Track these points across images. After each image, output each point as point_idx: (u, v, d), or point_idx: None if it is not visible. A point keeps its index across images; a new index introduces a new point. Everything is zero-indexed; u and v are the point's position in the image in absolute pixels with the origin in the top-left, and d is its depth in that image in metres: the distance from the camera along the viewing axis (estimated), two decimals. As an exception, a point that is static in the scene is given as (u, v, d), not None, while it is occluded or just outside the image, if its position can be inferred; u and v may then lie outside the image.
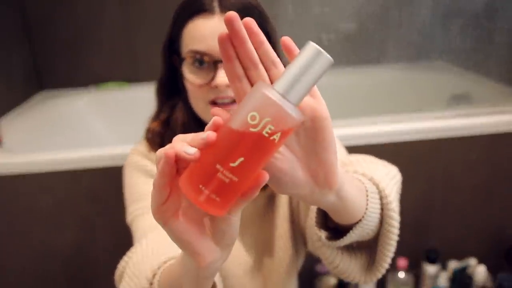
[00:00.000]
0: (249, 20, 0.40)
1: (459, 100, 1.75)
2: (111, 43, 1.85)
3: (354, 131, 1.31)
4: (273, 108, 0.35)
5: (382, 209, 0.56)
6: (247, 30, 0.40)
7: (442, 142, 1.34)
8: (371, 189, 0.55)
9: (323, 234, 0.57)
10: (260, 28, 0.69)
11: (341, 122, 1.35)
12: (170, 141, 0.41)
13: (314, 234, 0.59)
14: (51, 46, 1.83)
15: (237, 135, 0.36)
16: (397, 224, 0.57)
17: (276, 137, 0.36)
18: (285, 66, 0.41)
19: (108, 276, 1.41)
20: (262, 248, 0.85)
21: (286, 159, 0.42)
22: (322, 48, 0.38)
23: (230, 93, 0.69)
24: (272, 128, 0.35)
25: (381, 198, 0.56)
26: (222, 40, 0.40)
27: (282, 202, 0.82)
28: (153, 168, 0.78)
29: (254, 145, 0.36)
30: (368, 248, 0.61)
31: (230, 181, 0.36)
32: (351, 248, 0.61)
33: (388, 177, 0.62)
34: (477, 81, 1.81)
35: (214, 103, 0.70)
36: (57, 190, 1.25)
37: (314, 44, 0.37)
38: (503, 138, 1.37)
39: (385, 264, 0.59)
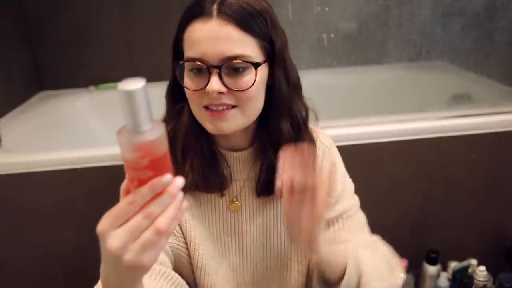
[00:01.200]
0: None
1: (459, 100, 1.75)
2: (111, 44, 1.85)
3: (355, 131, 1.31)
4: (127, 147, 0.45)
5: None
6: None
7: (442, 141, 1.34)
8: (352, 274, 0.70)
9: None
10: (263, 34, 0.68)
11: (342, 122, 1.34)
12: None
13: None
14: (51, 46, 1.83)
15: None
16: None
17: (144, 161, 0.44)
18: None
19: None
20: (272, 263, 0.84)
21: (290, 215, 0.61)
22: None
23: (224, 100, 0.68)
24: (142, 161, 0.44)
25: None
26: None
27: None
28: None
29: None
30: None
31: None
32: None
33: (378, 276, 0.73)
34: (477, 81, 1.81)
35: (207, 108, 0.70)
36: (56, 190, 1.25)
37: (121, 88, 0.43)
38: (503, 137, 1.36)
39: None
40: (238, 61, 0.66)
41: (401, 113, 1.40)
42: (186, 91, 0.71)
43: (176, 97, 0.76)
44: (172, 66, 0.75)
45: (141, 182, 0.44)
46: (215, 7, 0.66)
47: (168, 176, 0.44)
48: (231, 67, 0.67)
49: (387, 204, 1.39)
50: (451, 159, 1.37)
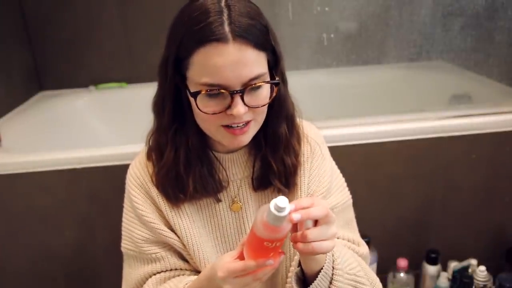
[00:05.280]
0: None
1: (459, 100, 1.75)
2: (111, 44, 1.85)
3: (355, 131, 1.31)
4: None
5: None
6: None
7: (442, 141, 1.34)
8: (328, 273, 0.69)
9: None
10: (266, 41, 0.68)
11: (342, 122, 1.34)
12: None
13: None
14: (51, 46, 1.83)
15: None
16: None
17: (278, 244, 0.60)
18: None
19: (107, 275, 1.41)
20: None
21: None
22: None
23: (245, 118, 0.69)
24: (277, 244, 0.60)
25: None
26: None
27: None
28: (144, 209, 0.80)
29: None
30: None
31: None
32: None
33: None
34: (478, 80, 1.81)
35: (227, 126, 0.70)
36: (56, 190, 1.25)
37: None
38: (503, 137, 1.36)
39: None
40: (260, 82, 0.67)
41: (401, 113, 1.40)
42: (200, 113, 0.69)
43: (175, 116, 0.75)
44: (168, 81, 0.72)
45: (259, 254, 0.60)
46: (227, 29, 0.64)
47: (282, 257, 0.62)
48: (251, 88, 0.67)
49: (387, 204, 1.39)
50: (451, 159, 1.37)
